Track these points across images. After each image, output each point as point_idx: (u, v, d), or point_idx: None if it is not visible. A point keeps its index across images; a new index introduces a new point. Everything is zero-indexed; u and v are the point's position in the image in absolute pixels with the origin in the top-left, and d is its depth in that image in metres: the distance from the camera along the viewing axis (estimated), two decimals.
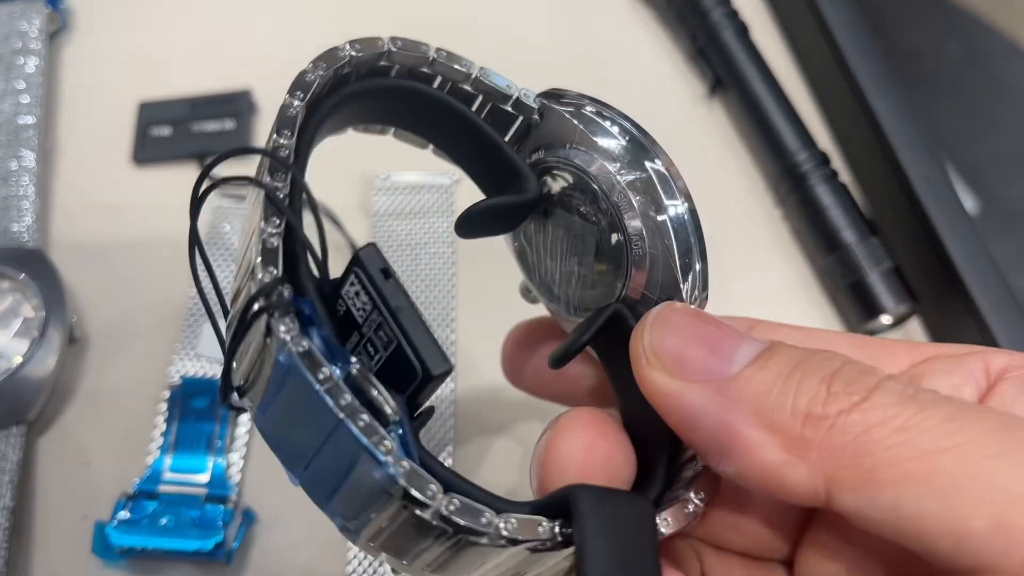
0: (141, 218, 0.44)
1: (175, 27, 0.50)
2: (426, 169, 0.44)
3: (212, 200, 0.44)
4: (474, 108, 0.26)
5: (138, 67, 0.49)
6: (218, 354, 0.40)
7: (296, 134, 0.22)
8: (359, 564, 0.36)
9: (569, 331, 0.28)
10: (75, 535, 0.36)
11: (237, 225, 0.43)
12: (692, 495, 0.23)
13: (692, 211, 0.24)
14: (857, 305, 0.40)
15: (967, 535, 0.17)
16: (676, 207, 0.24)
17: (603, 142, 0.25)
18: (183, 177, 0.45)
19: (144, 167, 0.46)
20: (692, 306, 0.24)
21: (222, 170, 0.46)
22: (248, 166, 0.46)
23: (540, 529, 0.20)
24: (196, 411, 0.38)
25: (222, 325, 0.23)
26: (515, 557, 0.20)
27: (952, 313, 0.39)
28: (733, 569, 0.25)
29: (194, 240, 0.23)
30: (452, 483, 0.20)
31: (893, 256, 0.41)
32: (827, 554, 0.22)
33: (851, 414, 0.19)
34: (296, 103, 0.22)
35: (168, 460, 0.37)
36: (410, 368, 0.21)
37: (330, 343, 0.20)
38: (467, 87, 0.25)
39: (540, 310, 0.30)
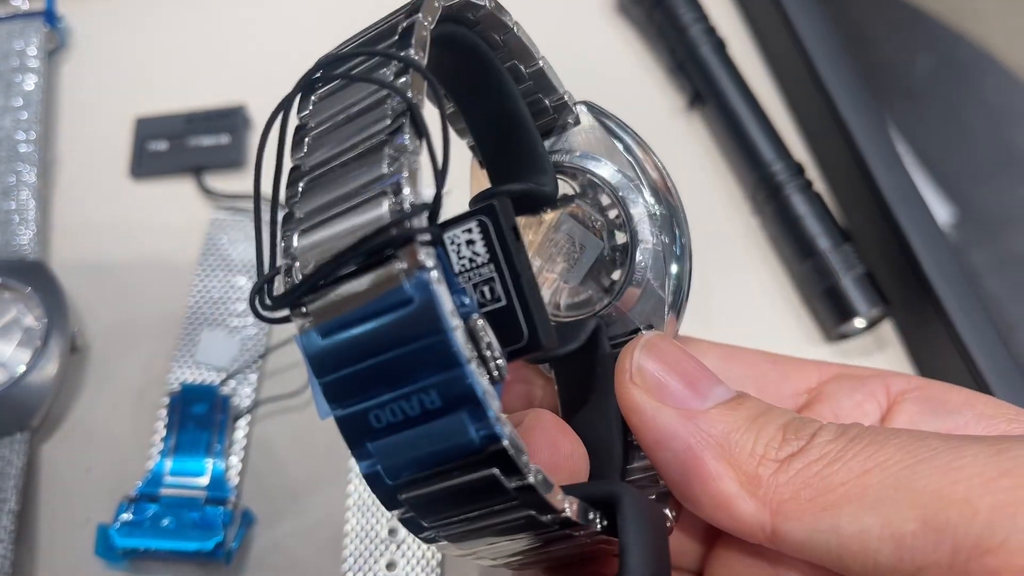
0: (139, 230, 0.45)
1: (171, 45, 0.52)
2: None
3: (209, 213, 0.46)
4: (519, 88, 0.26)
5: (135, 84, 0.50)
6: (216, 361, 0.41)
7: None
8: (355, 562, 0.37)
9: None
10: (78, 538, 0.37)
11: (235, 236, 0.45)
12: (668, 511, 0.25)
13: (690, 256, 0.26)
14: (831, 309, 0.42)
15: (902, 539, 0.19)
16: (684, 252, 0.26)
17: (639, 173, 0.26)
18: (180, 190, 0.47)
19: (142, 181, 0.47)
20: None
21: (219, 183, 0.48)
22: (244, 178, 0.47)
23: (588, 516, 0.21)
24: (195, 416, 0.39)
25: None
26: (532, 539, 0.21)
27: (922, 315, 0.41)
28: None
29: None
30: None
31: (866, 262, 0.42)
32: (732, 568, 0.25)
33: (795, 456, 0.22)
34: (427, 24, 0.20)
35: (168, 464, 0.38)
36: (514, 332, 0.20)
37: (455, 284, 0.18)
38: (524, 68, 0.25)
39: None
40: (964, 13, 0.82)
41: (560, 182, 0.27)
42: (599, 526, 0.21)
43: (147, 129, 0.48)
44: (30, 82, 0.48)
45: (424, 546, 0.37)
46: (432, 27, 0.20)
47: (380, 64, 0.20)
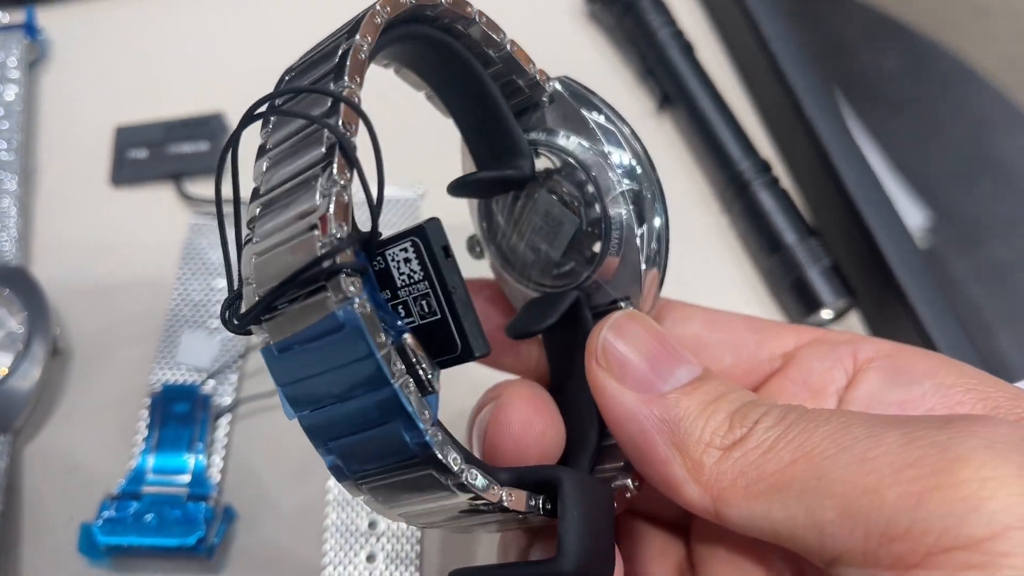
0: (120, 236, 0.46)
1: (150, 55, 0.53)
2: (393, 183, 0.46)
3: (188, 218, 0.46)
4: (490, 72, 0.26)
5: (115, 93, 0.51)
6: (196, 362, 0.42)
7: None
8: (335, 555, 0.38)
9: (511, 295, 0.30)
10: (62, 536, 0.38)
11: (214, 240, 0.45)
12: (629, 482, 0.26)
13: (667, 228, 0.27)
14: (799, 301, 0.43)
15: (823, 527, 0.20)
16: (658, 223, 0.27)
17: (610, 146, 0.27)
18: (160, 196, 0.47)
19: (122, 188, 0.48)
20: (647, 315, 0.27)
21: (198, 189, 0.49)
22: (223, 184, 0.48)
23: (530, 503, 0.22)
24: (177, 415, 0.39)
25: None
26: (488, 516, 0.23)
27: (887, 306, 0.42)
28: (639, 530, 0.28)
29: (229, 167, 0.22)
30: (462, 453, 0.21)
31: (831, 255, 0.44)
32: (708, 536, 0.26)
33: (737, 444, 0.23)
34: (365, 47, 0.21)
35: (151, 462, 0.39)
36: (449, 343, 0.22)
37: (385, 307, 0.20)
38: (493, 54, 0.26)
39: (479, 268, 0.31)
40: (939, 22, 0.84)
41: (543, 158, 0.28)
42: (542, 511, 0.23)
43: (127, 137, 0.49)
44: (11, 93, 0.49)
45: (403, 540, 0.38)
46: (372, 47, 0.21)
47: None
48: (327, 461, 0.21)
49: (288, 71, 0.23)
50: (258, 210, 0.21)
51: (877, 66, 0.81)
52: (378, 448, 0.20)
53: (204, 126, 0.49)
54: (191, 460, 0.39)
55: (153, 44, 0.53)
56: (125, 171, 0.48)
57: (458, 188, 0.28)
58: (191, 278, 0.44)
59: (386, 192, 0.49)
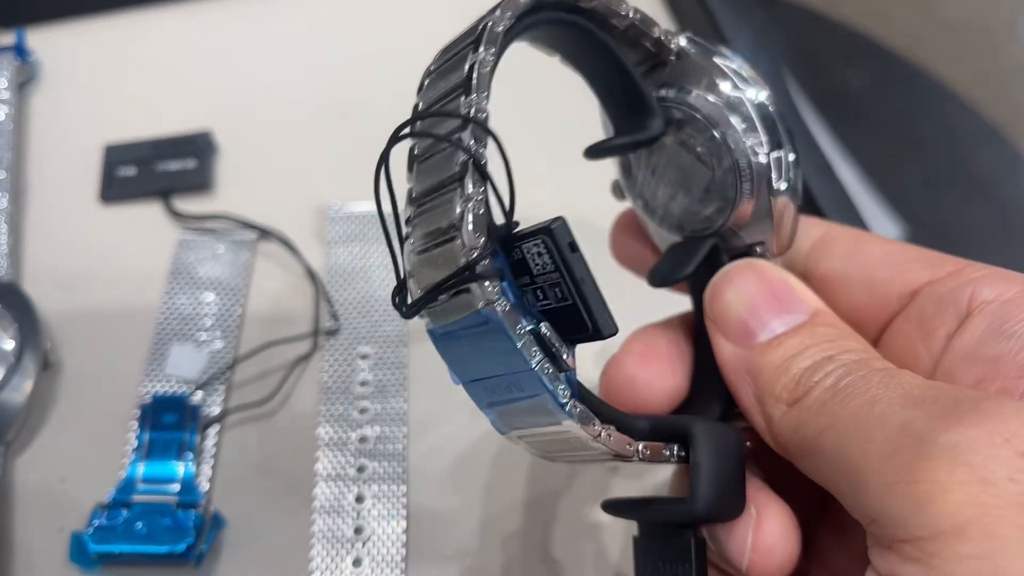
0: (109, 251, 0.47)
1: (138, 75, 0.54)
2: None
3: (177, 234, 0.48)
4: (614, 36, 0.28)
5: (103, 112, 0.52)
6: (185, 374, 0.43)
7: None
8: (322, 561, 0.38)
9: (655, 234, 0.32)
10: (53, 546, 0.39)
11: (201, 255, 0.46)
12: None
13: (799, 164, 0.28)
14: None
15: (842, 494, 0.22)
16: (791, 158, 0.27)
17: (742, 87, 0.28)
18: (148, 213, 0.49)
19: (111, 205, 0.49)
20: (770, 262, 0.28)
21: (185, 206, 0.50)
22: (210, 201, 0.49)
23: (664, 453, 0.25)
24: (166, 425, 0.40)
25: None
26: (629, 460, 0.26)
27: None
28: None
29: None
30: (603, 412, 0.24)
31: None
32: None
33: (795, 405, 0.24)
34: (490, 59, 0.23)
35: (141, 471, 0.39)
36: (581, 324, 0.24)
37: (520, 303, 0.23)
38: (616, 23, 0.27)
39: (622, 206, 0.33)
40: (912, 39, 0.86)
41: (673, 112, 0.29)
42: (676, 457, 0.26)
43: (116, 156, 0.50)
44: (1, 113, 0.50)
45: (388, 544, 0.39)
46: (496, 57, 0.23)
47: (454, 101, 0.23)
48: (488, 416, 0.25)
49: (427, 73, 0.25)
50: (411, 212, 0.24)
51: (851, 82, 0.83)
52: (531, 413, 0.24)
53: (191, 144, 0.50)
54: (180, 469, 0.40)
55: (141, 64, 0.54)
56: (114, 188, 0.49)
57: (594, 152, 0.29)
58: (179, 292, 0.45)
59: (370, 208, 0.50)
